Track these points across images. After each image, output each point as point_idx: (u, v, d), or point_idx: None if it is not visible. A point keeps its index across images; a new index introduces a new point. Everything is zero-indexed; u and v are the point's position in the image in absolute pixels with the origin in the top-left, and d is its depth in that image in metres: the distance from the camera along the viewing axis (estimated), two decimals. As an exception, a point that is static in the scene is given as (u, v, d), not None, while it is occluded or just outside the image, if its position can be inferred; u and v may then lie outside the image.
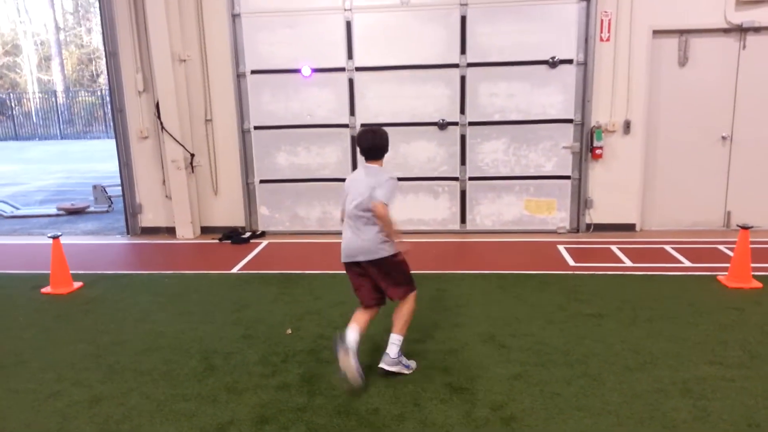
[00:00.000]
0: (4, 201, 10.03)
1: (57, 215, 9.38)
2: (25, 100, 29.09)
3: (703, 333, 4.31)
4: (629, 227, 7.25)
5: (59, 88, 30.23)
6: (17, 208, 9.71)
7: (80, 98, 28.95)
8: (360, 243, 3.68)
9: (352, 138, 7.31)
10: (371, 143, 3.75)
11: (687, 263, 5.96)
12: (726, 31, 6.80)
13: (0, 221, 9.08)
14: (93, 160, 17.87)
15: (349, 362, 3.56)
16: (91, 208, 9.61)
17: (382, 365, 3.75)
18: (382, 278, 3.73)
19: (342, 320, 4.66)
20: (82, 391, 3.69)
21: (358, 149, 3.85)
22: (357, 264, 3.74)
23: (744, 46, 6.82)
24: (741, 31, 6.76)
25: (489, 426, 3.21)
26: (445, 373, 3.81)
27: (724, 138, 7.05)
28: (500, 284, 5.49)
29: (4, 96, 29.65)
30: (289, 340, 4.38)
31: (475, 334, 4.38)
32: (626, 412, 3.31)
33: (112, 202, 9.69)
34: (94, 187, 9.79)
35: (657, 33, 6.82)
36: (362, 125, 7.24)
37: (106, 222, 8.87)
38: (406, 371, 3.81)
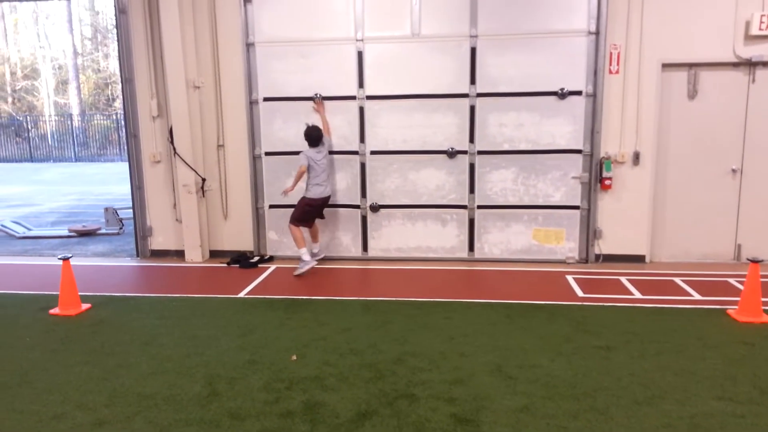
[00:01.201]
0: (16, 221, 10.14)
1: (68, 236, 9.47)
2: (41, 123, 29.58)
3: (712, 367, 4.26)
4: (638, 258, 7.21)
5: (75, 111, 30.73)
6: (29, 229, 9.82)
7: (95, 121, 29.40)
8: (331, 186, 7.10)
9: (362, 165, 7.37)
10: (318, 134, 6.90)
11: (697, 296, 5.90)
12: (735, 65, 6.84)
13: (12, 241, 9.17)
14: (106, 183, 18.07)
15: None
16: (102, 230, 9.70)
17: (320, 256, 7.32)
18: (325, 207, 7.10)
19: (347, 347, 4.68)
20: (86, 414, 3.69)
21: (308, 139, 6.83)
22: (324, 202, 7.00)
23: (753, 80, 6.85)
24: (750, 65, 6.79)
25: (493, 459, 3.17)
26: (450, 404, 3.77)
27: (734, 171, 7.04)
28: (507, 314, 5.46)
29: (21, 119, 30.18)
30: (294, 366, 4.36)
31: (481, 364, 4.34)
32: (633, 447, 3.26)
33: (123, 225, 9.78)
34: (106, 209, 9.89)
35: (666, 66, 6.87)
36: (372, 152, 7.32)
37: (116, 244, 8.94)
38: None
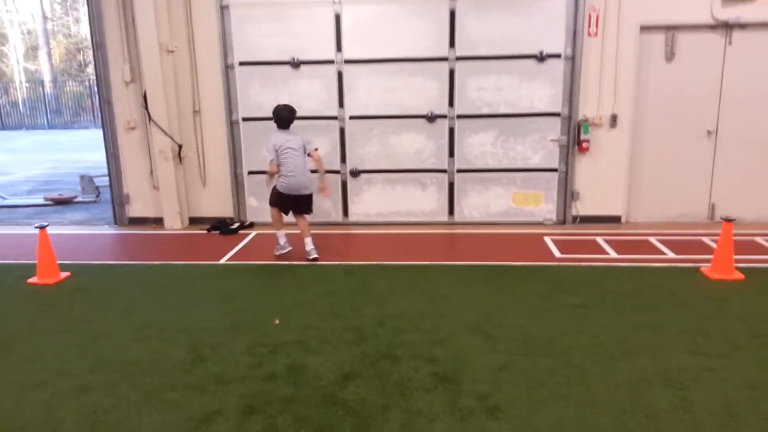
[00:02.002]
0: (-10, 191, 9.96)
1: (44, 205, 9.33)
2: (12, 90, 28.74)
3: (685, 323, 4.38)
4: (615, 219, 7.33)
5: (47, 77, 29.90)
6: (4, 198, 9.64)
7: (68, 88, 28.65)
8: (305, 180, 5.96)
9: (341, 130, 7.32)
10: (290, 115, 5.93)
11: (671, 255, 6.04)
12: (712, 27, 6.86)
13: (-14, 212, 9.01)
14: (81, 150, 17.73)
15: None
16: (79, 199, 9.56)
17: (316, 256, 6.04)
18: (305, 203, 6.05)
19: (330, 311, 4.73)
20: (69, 381, 3.70)
21: (277, 120, 5.90)
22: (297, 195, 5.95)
23: (730, 42, 6.89)
24: (727, 27, 6.82)
25: (474, 416, 3.26)
26: (431, 363, 3.85)
27: (709, 132, 7.13)
28: (486, 275, 5.54)
29: (-11, 85, 29.28)
30: (277, 330, 4.41)
31: (461, 325, 4.43)
32: (609, 401, 3.37)
33: (99, 193, 9.65)
34: (82, 177, 9.74)
35: (644, 29, 6.87)
36: (351, 117, 7.27)
37: (93, 212, 8.83)
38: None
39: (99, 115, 7.89)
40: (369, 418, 3.25)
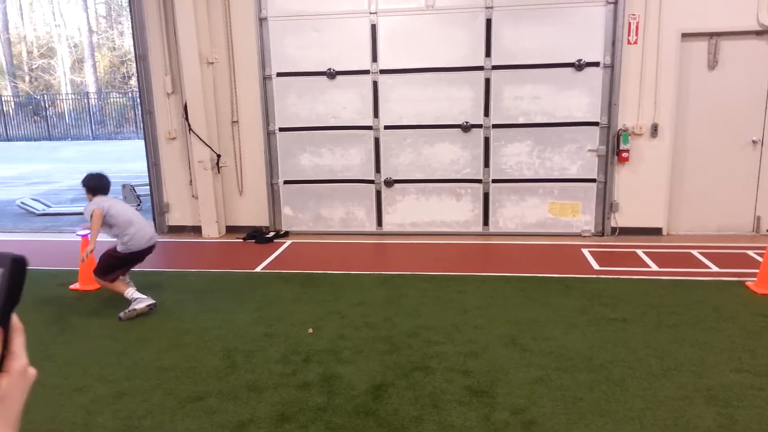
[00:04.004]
0: (36, 199, 10.28)
1: (87, 214, 9.56)
2: (58, 101, 29.76)
3: (729, 340, 4.23)
4: (656, 231, 7.15)
5: (91, 89, 30.86)
6: (49, 206, 9.94)
7: (112, 99, 29.52)
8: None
9: (376, 140, 7.34)
10: (108, 182, 5.20)
11: (714, 268, 5.85)
12: (759, 33, 6.67)
13: (32, 218, 9.31)
14: (123, 160, 18.18)
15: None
16: (120, 207, 9.77)
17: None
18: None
19: (363, 320, 4.71)
20: (107, 387, 3.77)
21: (99, 188, 5.11)
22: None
23: (777, 49, 6.68)
24: (774, 33, 6.62)
25: (508, 430, 3.20)
26: (465, 376, 3.80)
27: (754, 142, 6.91)
28: (522, 287, 5.45)
29: (38, 97, 30.39)
30: (310, 339, 4.41)
31: (495, 337, 4.36)
32: (649, 418, 3.27)
33: (140, 201, 9.86)
34: (123, 186, 9.97)
35: (686, 36, 6.71)
36: (386, 127, 7.28)
37: (134, 221, 9.01)
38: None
39: (141, 125, 8.07)
40: (401, 430, 3.22)
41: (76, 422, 3.39)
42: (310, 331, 4.55)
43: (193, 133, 7.38)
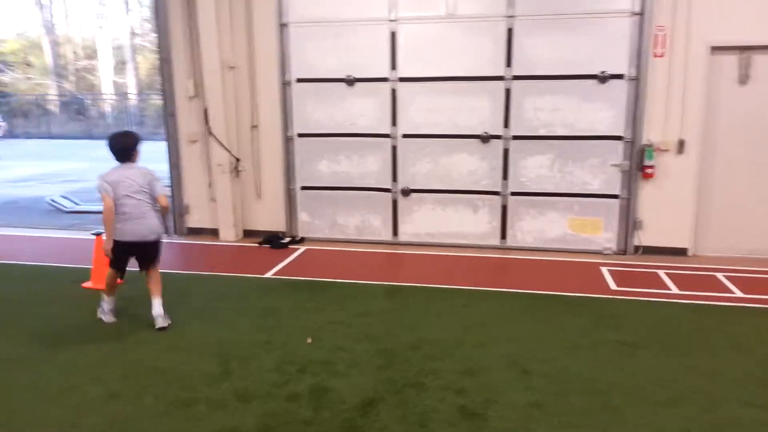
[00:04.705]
0: (65, 197, 10.52)
1: (112, 213, 9.73)
2: (100, 102, 30.58)
3: (744, 371, 4.02)
4: (680, 251, 6.89)
5: (132, 91, 31.62)
6: (77, 204, 10.15)
7: (151, 101, 30.18)
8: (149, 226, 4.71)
9: (394, 148, 7.27)
10: (127, 142, 4.69)
11: (738, 293, 5.59)
12: (794, 48, 6.39)
13: (60, 215, 9.52)
14: (158, 161, 18.50)
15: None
16: (145, 208, 9.93)
17: (161, 325, 4.70)
18: (151, 252, 4.82)
19: (363, 332, 4.64)
20: (99, 388, 3.78)
21: (111, 149, 4.67)
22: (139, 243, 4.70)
23: (814, 64, 6.38)
24: (811, 48, 6.33)
25: (495, 454, 3.08)
26: (458, 395, 3.69)
27: (788, 161, 6.61)
28: (532, 304, 5.30)
29: (82, 97, 31.28)
30: (308, 349, 4.36)
31: (496, 356, 4.23)
32: (645, 450, 3.11)
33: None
34: (148, 187, 10.13)
35: (716, 49, 6.46)
36: (404, 135, 7.21)
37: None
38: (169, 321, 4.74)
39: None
40: (384, 449, 3.13)
41: (63, 423, 3.40)
42: (309, 340, 4.50)
43: (213, 136, 7.43)
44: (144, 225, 4.66)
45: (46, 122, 29.19)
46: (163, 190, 4.77)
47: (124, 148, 4.65)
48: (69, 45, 34.70)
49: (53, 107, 30.35)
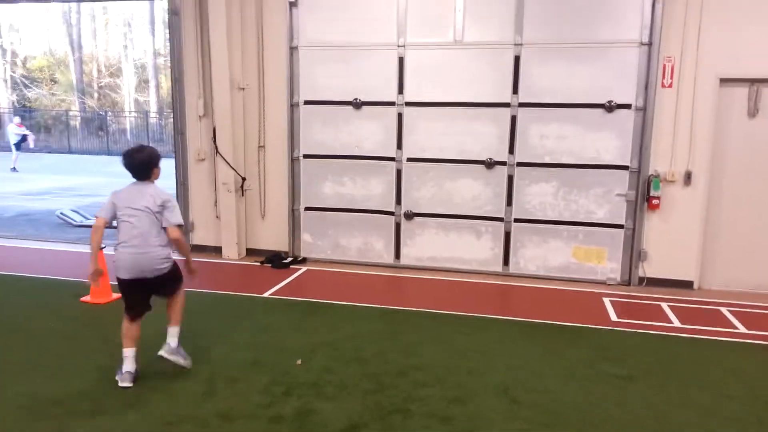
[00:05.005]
0: (75, 210, 10.65)
1: (121, 228, 9.83)
2: (121, 119, 31.15)
3: (740, 407, 3.91)
4: (686, 284, 6.77)
5: (153, 108, 32.18)
6: (87, 218, 10.26)
7: (170, 119, 30.67)
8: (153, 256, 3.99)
9: (398, 172, 7.28)
10: (143, 158, 4.03)
11: (741, 329, 5.46)
12: (804, 81, 6.33)
13: (68, 229, 9.63)
14: (167, 177, 18.73)
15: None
16: (153, 224, 10.01)
17: (161, 353, 4.10)
18: (162, 285, 4.14)
19: (354, 355, 4.60)
20: (85, 402, 3.77)
21: (127, 165, 4.04)
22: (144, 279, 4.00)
23: (824, 99, 6.31)
24: (821, 82, 6.27)
25: (475, 486, 3.01)
26: (444, 423, 3.63)
27: (797, 196, 6.50)
28: (529, 333, 5.22)
29: (103, 113, 31.88)
30: (297, 371, 4.32)
31: (487, 384, 4.16)
32: (631, 488, 3.02)
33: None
34: (158, 203, 10.23)
35: (724, 81, 6.43)
36: (408, 159, 7.22)
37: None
38: (183, 362, 4.17)
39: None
40: (362, 476, 3.07)
41: (43, 436, 3.39)
42: (299, 362, 4.46)
43: (220, 155, 7.50)
44: (144, 258, 3.92)
45: (66, 137, 29.71)
46: (177, 219, 4.01)
47: (140, 163, 4.01)
48: (94, 63, 35.48)
49: (75, 123, 30.91)
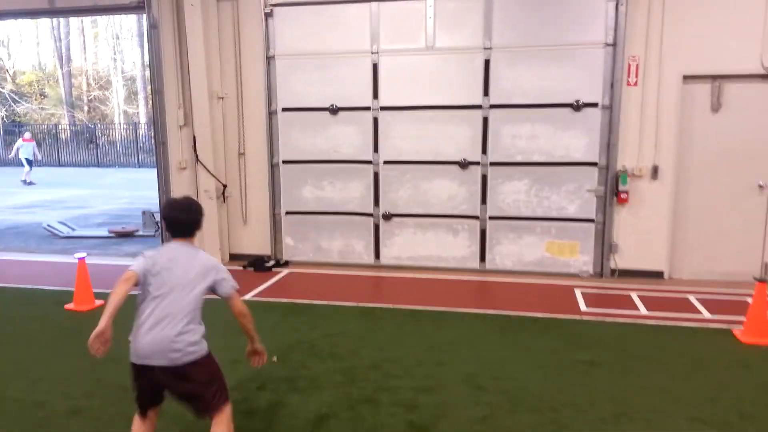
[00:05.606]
0: (62, 222, 10.77)
1: (107, 237, 9.98)
2: (111, 131, 31.25)
3: (697, 388, 4.10)
4: (657, 275, 6.97)
5: (142, 120, 32.29)
6: (73, 229, 10.40)
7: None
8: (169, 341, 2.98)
9: (375, 174, 7.46)
10: (189, 217, 3.20)
11: (706, 315, 5.66)
12: (763, 77, 6.54)
13: (55, 240, 9.74)
14: (150, 188, 18.85)
15: None
16: (140, 232, 10.17)
17: None
18: (190, 386, 3.08)
19: (329, 351, 4.77)
20: (65, 403, 3.92)
21: (168, 223, 3.26)
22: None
23: (783, 92, 6.53)
24: (779, 76, 6.49)
25: (435, 466, 3.18)
26: (410, 411, 3.80)
27: (761, 186, 6.71)
28: (501, 325, 5.40)
29: (93, 126, 31.98)
30: (273, 367, 4.47)
31: (454, 374, 4.33)
32: (582, 464, 3.19)
33: (159, 227, 10.20)
34: (143, 212, 10.37)
35: (688, 78, 6.64)
36: (385, 162, 7.40)
37: (149, 245, 9.33)
38: None
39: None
40: (328, 461, 3.23)
41: (24, 436, 3.54)
42: (275, 359, 4.61)
43: (201, 163, 7.67)
44: (158, 338, 2.95)
45: (56, 150, 29.79)
46: (235, 283, 3.30)
47: (188, 224, 3.19)
48: (83, 76, 35.60)
49: (64, 136, 30.99)
